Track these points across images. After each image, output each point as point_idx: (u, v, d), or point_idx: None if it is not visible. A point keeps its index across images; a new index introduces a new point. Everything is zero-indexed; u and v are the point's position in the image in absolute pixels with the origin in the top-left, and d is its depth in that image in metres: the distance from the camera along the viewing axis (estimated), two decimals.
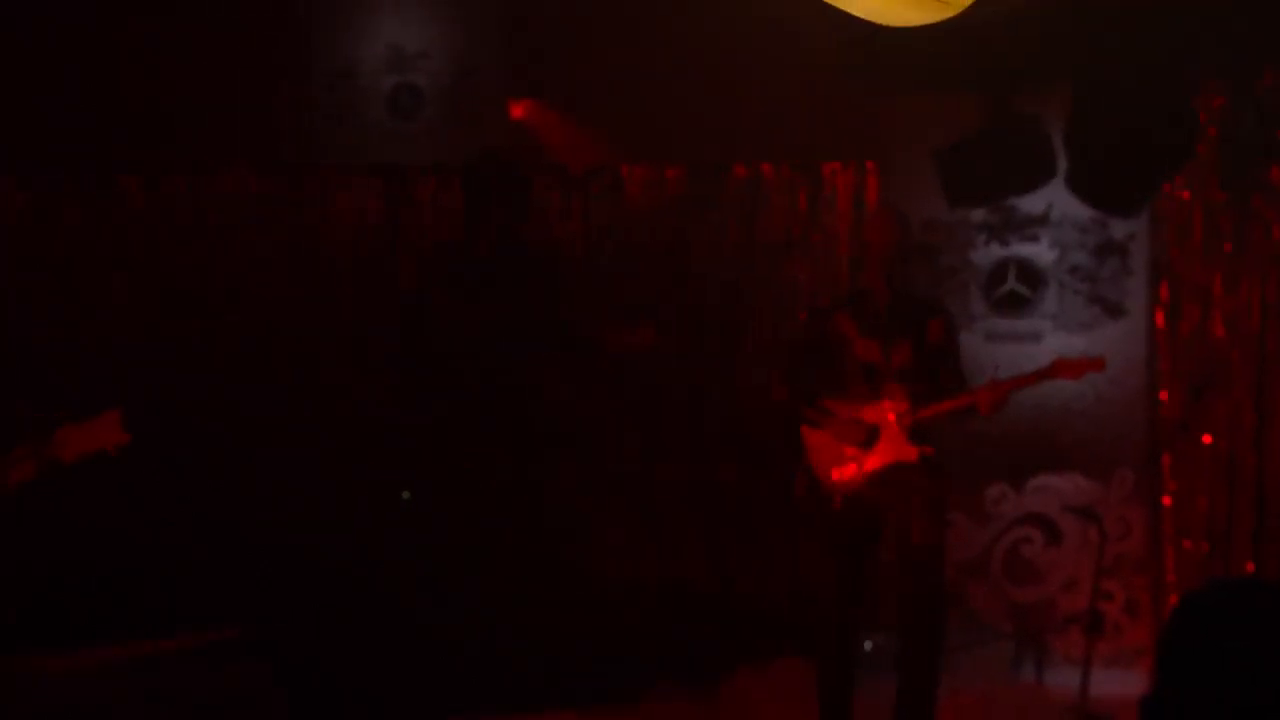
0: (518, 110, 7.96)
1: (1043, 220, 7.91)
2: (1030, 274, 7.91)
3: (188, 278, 7.90)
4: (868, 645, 6.87)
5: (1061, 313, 7.89)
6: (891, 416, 5.96)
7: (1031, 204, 7.84)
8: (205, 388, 7.61)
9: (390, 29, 8.10)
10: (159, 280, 7.88)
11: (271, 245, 7.98)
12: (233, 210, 8.02)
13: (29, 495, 4.64)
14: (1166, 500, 7.72)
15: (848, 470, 5.98)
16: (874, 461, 5.97)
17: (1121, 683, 7.04)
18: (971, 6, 6.87)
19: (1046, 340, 7.73)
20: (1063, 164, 7.54)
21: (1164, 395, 7.76)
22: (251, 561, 7.40)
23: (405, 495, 7.39)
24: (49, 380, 7.27)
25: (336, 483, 7.59)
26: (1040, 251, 7.91)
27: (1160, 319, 7.78)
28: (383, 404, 7.57)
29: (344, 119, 8.15)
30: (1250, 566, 7.53)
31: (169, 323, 7.79)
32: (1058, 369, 6.17)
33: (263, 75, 7.89)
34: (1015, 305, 7.91)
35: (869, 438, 5.98)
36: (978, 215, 7.90)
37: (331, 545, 7.41)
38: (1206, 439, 7.67)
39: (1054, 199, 7.77)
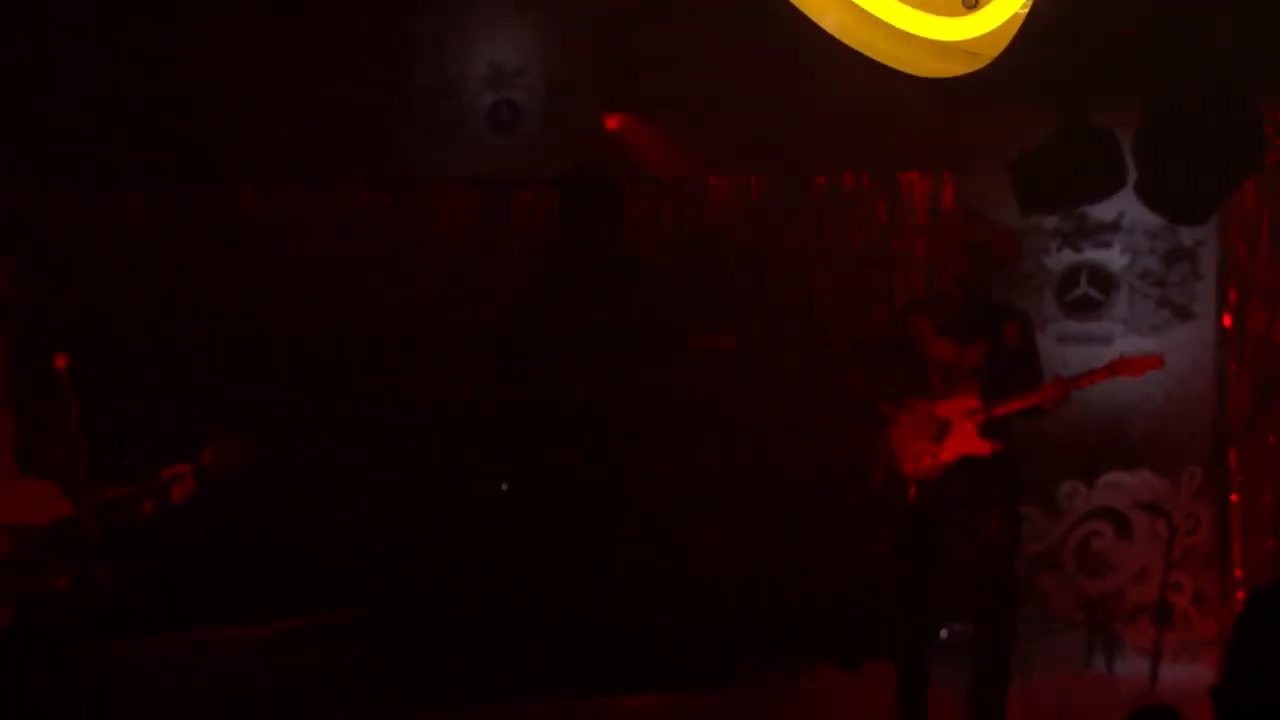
0: (610, 124, 8.00)
1: (1114, 227, 7.85)
2: (1102, 278, 7.85)
3: (299, 283, 7.96)
4: (943, 634, 6.83)
5: (1132, 316, 7.82)
6: (965, 413, 5.92)
7: (1103, 211, 7.78)
8: (316, 387, 7.65)
9: (491, 49, 8.16)
10: (271, 286, 7.94)
11: (377, 253, 8.03)
12: (342, 220, 8.07)
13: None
14: (1234, 497, 7.61)
15: (922, 464, 5.95)
16: (947, 455, 5.94)
17: (1189, 672, 6.95)
18: (1047, 23, 6.84)
19: (1117, 342, 7.65)
20: (1133, 173, 7.44)
21: (1231, 396, 7.65)
22: (361, 549, 7.47)
23: (503, 486, 7.44)
24: (189, 386, 7.29)
25: (440, 476, 7.63)
26: (1112, 257, 7.85)
27: (1228, 322, 7.69)
28: (481, 401, 7.60)
29: (447, 134, 8.21)
30: None
31: (280, 325, 7.86)
32: (1118, 367, 6.11)
33: (372, 93, 7.95)
34: (1087, 308, 7.86)
35: (942, 432, 5.94)
36: (1051, 222, 7.86)
37: (435, 534, 7.46)
38: (1271, 438, 7.56)
39: (1125, 207, 7.71)
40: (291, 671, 7.01)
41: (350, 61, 7.89)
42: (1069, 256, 7.91)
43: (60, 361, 4.62)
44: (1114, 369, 6.10)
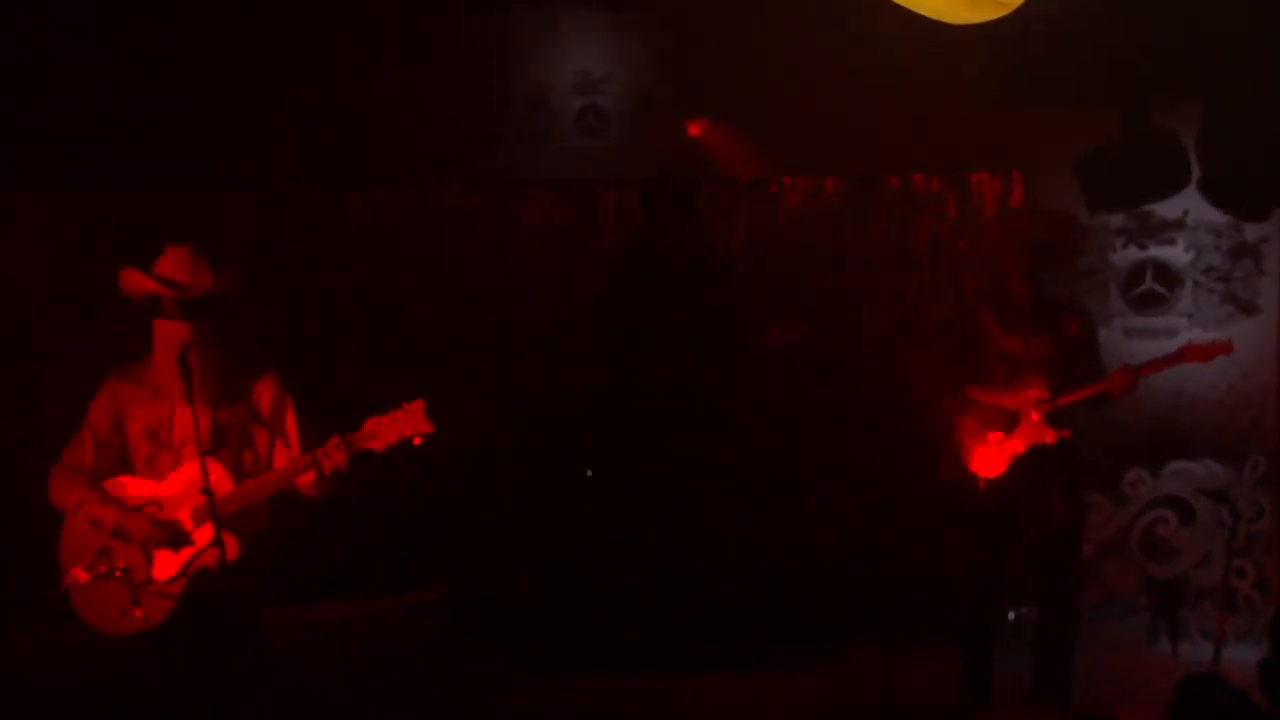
0: (690, 127, 7.99)
1: (1179, 224, 7.75)
2: (1167, 274, 7.74)
3: (397, 281, 8.04)
4: (1010, 616, 6.76)
5: (1196, 310, 7.71)
6: (1031, 404, 5.86)
7: (1168, 209, 7.68)
8: (410, 378, 7.69)
9: (580, 56, 8.19)
10: (371, 284, 8.03)
11: (470, 253, 8.09)
12: (438, 221, 8.15)
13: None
14: None
15: (991, 454, 5.89)
16: (1015, 445, 5.89)
17: (1252, 656, 6.81)
18: (1113, 25, 6.76)
19: (1182, 336, 7.53)
20: (1197, 172, 7.35)
21: None
22: (456, 533, 7.53)
23: (588, 473, 7.47)
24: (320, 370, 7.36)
25: (529, 463, 7.67)
26: (1176, 253, 7.75)
27: None
28: (567, 393, 7.64)
29: (537, 139, 8.25)
30: None
31: (379, 320, 7.94)
32: (1186, 353, 6.03)
33: (466, 101, 8.01)
34: (1152, 304, 7.76)
35: (1010, 424, 5.89)
36: (1117, 220, 7.77)
37: (522, 517, 7.50)
38: None
39: (1190, 205, 7.60)
40: (387, 646, 7.12)
41: (445, 71, 7.96)
42: (1135, 253, 7.81)
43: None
44: (1182, 355, 6.04)
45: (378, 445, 4.55)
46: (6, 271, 7.54)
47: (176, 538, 4.46)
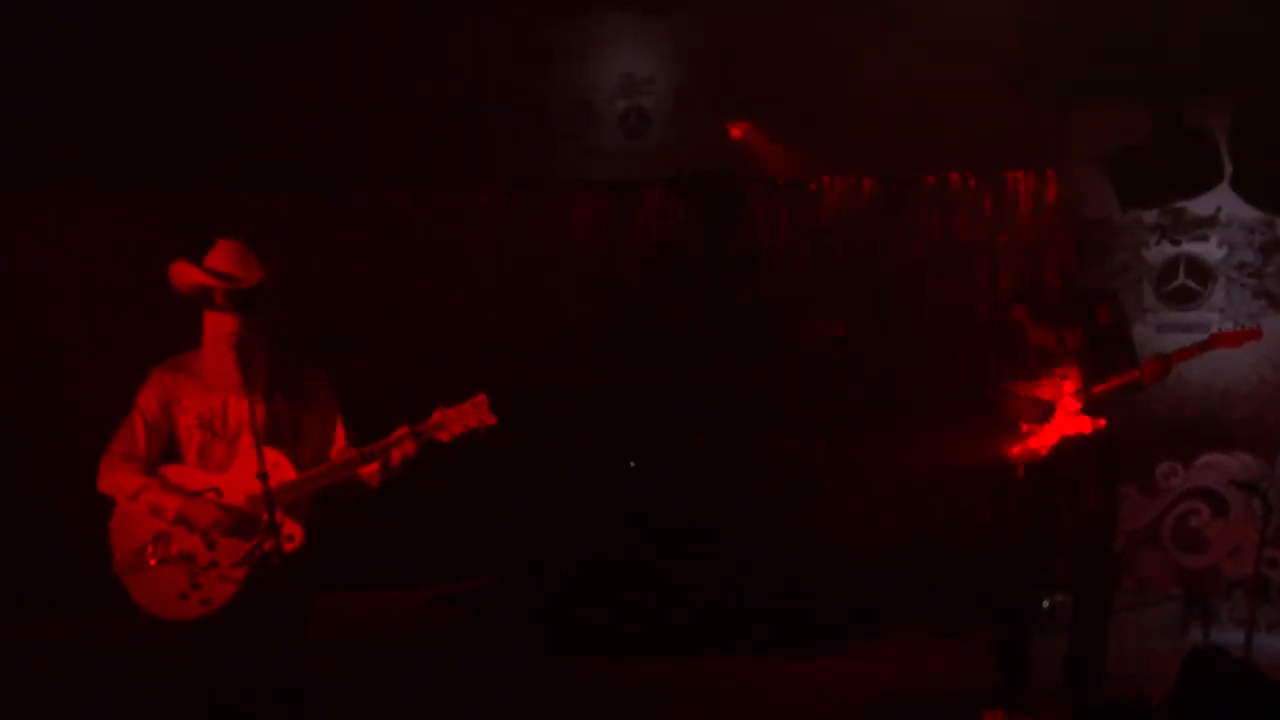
0: (730, 128, 7.98)
1: (1212, 221, 7.67)
2: (1200, 270, 7.67)
3: (447, 275, 8.06)
4: (1045, 604, 6.70)
5: (1229, 305, 7.63)
6: (1066, 394, 5.82)
7: (1201, 206, 7.62)
8: (462, 369, 7.72)
9: (624, 60, 8.21)
10: (422, 278, 8.05)
11: (518, 249, 8.11)
12: (486, 219, 8.17)
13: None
14: None
15: (1028, 443, 5.86)
16: (1051, 435, 5.84)
17: None
18: (1146, 25, 6.70)
19: (1214, 330, 7.44)
20: (1229, 169, 7.28)
21: None
22: (509, 522, 7.56)
23: (631, 463, 7.47)
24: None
25: (578, 452, 7.68)
26: (1209, 250, 7.68)
27: None
28: (612, 383, 7.64)
29: (583, 139, 8.27)
30: None
31: (433, 313, 7.97)
32: (1217, 340, 5.96)
33: (515, 103, 8.03)
34: (1185, 299, 7.69)
35: (1045, 414, 5.85)
36: (1150, 217, 7.69)
37: (569, 506, 7.52)
38: None
39: (1223, 201, 7.52)
40: (442, 629, 7.16)
41: (495, 74, 7.99)
42: (1168, 249, 7.74)
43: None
44: (1213, 342, 5.97)
45: (445, 436, 4.55)
46: (45, 269, 7.59)
47: (241, 525, 4.48)
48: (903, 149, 7.60)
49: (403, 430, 4.54)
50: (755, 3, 7.69)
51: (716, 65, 7.98)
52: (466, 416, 4.55)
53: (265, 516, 4.36)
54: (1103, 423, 5.83)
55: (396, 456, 4.53)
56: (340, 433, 4.68)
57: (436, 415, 4.56)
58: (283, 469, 4.45)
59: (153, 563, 4.50)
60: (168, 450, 4.61)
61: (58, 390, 7.28)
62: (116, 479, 4.55)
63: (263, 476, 4.30)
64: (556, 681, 6.49)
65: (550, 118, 8.20)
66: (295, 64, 7.69)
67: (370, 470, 4.56)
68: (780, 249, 7.94)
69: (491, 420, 4.55)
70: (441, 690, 6.30)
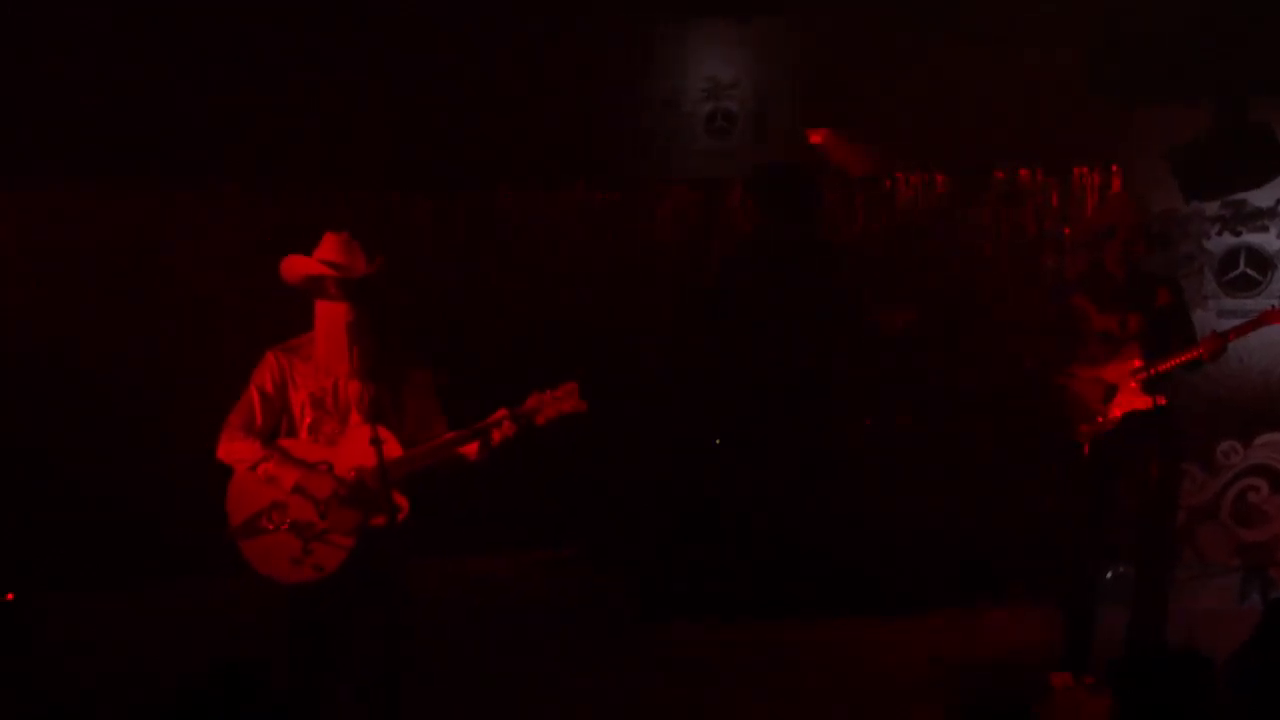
0: (809, 127, 7.88)
1: (1271, 213, 7.49)
2: (1259, 259, 7.49)
3: (544, 269, 8.05)
4: (1108, 575, 6.52)
5: None
6: (1129, 373, 5.65)
7: (1261, 198, 7.41)
8: (560, 353, 7.68)
9: (709, 63, 8.13)
10: (520, 271, 8.04)
11: (608, 244, 8.08)
12: (578, 216, 8.15)
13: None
14: None
15: (1092, 422, 5.69)
16: (1114, 413, 5.67)
17: None
18: (1206, 23, 6.48)
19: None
20: None
21: None
22: (605, 495, 7.52)
23: (716, 441, 7.42)
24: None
25: (667, 431, 7.62)
26: (1269, 240, 7.49)
27: None
28: (697, 369, 7.58)
29: (670, 140, 8.21)
30: None
31: (524, 306, 7.96)
32: (1268, 316, 5.77)
33: (606, 104, 8.00)
34: (1245, 287, 7.50)
35: (1109, 394, 5.68)
36: (1211, 208, 7.48)
37: (659, 480, 7.46)
38: None
39: None
40: (538, 594, 7.15)
41: (591, 79, 7.94)
42: (1229, 240, 7.54)
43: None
44: (1263, 319, 5.79)
45: (540, 420, 4.57)
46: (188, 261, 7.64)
47: (352, 496, 4.48)
48: (973, 146, 7.46)
49: (501, 413, 4.57)
50: (832, 9, 7.58)
51: (798, 69, 7.89)
52: (560, 402, 4.56)
53: (376, 489, 4.37)
54: (1163, 400, 5.66)
55: (496, 436, 4.56)
56: (439, 413, 4.68)
57: (532, 400, 4.57)
58: (390, 445, 4.45)
59: (270, 528, 4.52)
60: (280, 425, 4.63)
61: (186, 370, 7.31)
62: (235, 450, 4.58)
63: (376, 443, 4.31)
64: (646, 644, 6.45)
65: (641, 119, 8.15)
66: (402, 69, 7.70)
67: (470, 449, 4.57)
68: (855, 241, 7.83)
69: (583, 406, 4.57)
70: (537, 652, 6.28)
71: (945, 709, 2.91)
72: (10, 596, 6.70)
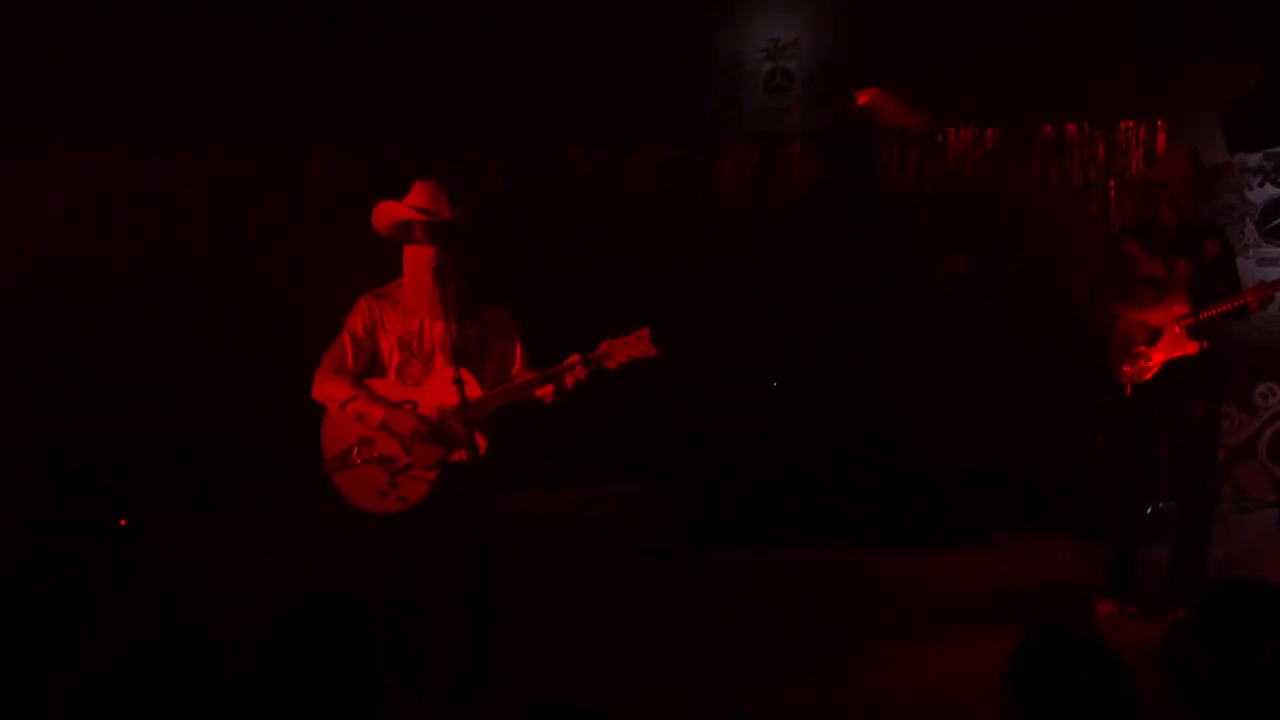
0: (866, 84, 7.72)
1: None
2: None
3: (613, 223, 7.99)
4: (1150, 511, 6.40)
5: None
6: (1175, 319, 5.52)
7: None
8: (628, 302, 7.62)
9: (770, 25, 7.99)
10: (592, 225, 7.99)
11: (673, 199, 8.00)
12: (646, 172, 8.07)
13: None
14: None
15: (1137, 364, 5.57)
16: (1159, 356, 5.55)
17: None
18: None
19: None
20: None
21: None
22: (669, 433, 7.50)
23: (774, 384, 7.36)
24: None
25: (729, 374, 7.57)
26: None
27: None
28: (758, 317, 7.52)
29: (732, 99, 8.08)
30: None
31: (598, 257, 7.91)
32: None
33: (672, 65, 7.90)
34: None
35: (1154, 337, 5.55)
36: (1254, 160, 7.27)
37: (724, 421, 7.41)
38: None
39: None
40: (607, 525, 7.15)
41: (653, 39, 7.84)
42: (1270, 190, 7.37)
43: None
44: None
45: (611, 364, 4.53)
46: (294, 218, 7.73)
47: (434, 433, 4.48)
48: (1024, 102, 7.29)
49: (575, 357, 4.53)
50: None
51: (854, 29, 7.73)
52: (631, 347, 4.51)
53: (457, 427, 4.37)
54: (1207, 344, 5.53)
55: (569, 380, 4.53)
56: (520, 357, 4.66)
57: (604, 345, 4.54)
58: (471, 385, 4.44)
59: (358, 462, 4.54)
60: (371, 366, 4.64)
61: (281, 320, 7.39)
62: (328, 389, 4.59)
63: (459, 383, 4.31)
64: (706, 572, 6.45)
65: (704, 79, 8.04)
66: (479, 39, 7.67)
67: (545, 391, 4.55)
68: (909, 195, 7.69)
69: (653, 351, 4.52)
70: (605, 579, 6.28)
71: (1025, 628, 2.85)
72: (124, 522, 6.84)
